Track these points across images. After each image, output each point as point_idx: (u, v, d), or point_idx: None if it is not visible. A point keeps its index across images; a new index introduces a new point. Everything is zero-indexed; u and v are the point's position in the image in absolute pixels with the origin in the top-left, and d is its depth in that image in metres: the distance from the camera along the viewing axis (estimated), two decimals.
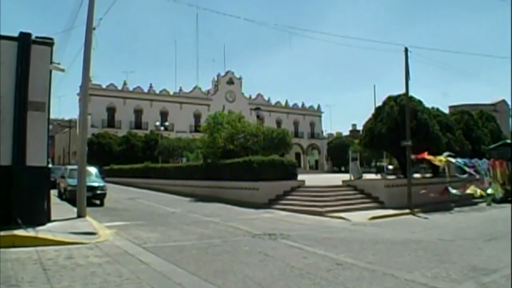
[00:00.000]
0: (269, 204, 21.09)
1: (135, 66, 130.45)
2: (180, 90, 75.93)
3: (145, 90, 72.25)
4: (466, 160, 23.73)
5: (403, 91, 22.63)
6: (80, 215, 14.23)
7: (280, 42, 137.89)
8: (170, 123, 68.41)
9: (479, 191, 22.84)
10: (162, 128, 59.34)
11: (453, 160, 22.89)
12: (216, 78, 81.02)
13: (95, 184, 20.64)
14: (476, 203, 23.46)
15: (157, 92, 73.33)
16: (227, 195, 24.14)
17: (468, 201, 23.22)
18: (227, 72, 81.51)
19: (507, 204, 22.29)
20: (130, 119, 69.42)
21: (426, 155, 22.32)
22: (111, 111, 68.30)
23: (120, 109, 68.84)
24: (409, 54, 21.60)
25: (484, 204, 23.11)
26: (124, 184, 41.20)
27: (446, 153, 22.86)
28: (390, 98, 25.15)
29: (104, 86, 67.67)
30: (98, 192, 20.77)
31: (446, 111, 31.61)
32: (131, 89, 70.96)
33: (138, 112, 70.60)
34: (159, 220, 15.75)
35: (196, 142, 36.38)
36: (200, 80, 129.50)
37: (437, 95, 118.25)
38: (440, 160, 22.40)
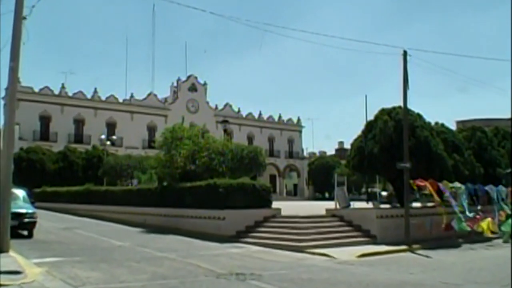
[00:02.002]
0: (238, 237, 20.98)
1: (76, 66, 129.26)
2: (131, 96, 75.69)
3: (88, 96, 71.74)
4: (477, 187, 23.92)
5: (399, 102, 22.90)
6: (1, 249, 13.86)
7: (253, 43, 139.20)
8: (118, 137, 67.88)
9: (493, 225, 22.92)
10: (108, 142, 58.76)
11: (460, 191, 22.92)
12: (175, 84, 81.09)
13: (22, 211, 20.13)
14: (489, 239, 23.50)
15: (103, 98, 72.94)
16: (186, 226, 23.96)
17: (479, 236, 23.27)
18: (189, 77, 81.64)
19: None
20: (68, 131, 68.67)
21: (428, 185, 22.28)
22: (45, 120, 67.49)
23: (57, 119, 68.05)
24: (408, 58, 21.83)
25: (499, 241, 23.05)
26: (59, 211, 40.47)
27: (456, 184, 22.93)
28: (383, 111, 25.43)
29: (36, 90, 66.98)
30: (26, 220, 20.23)
31: (453, 127, 31.93)
32: (70, 94, 70.36)
33: (78, 123, 69.93)
34: (102, 255, 15.48)
35: (150, 161, 35.92)
36: (156, 85, 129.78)
37: (441, 107, 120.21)
38: (446, 186, 22.44)
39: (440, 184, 22.44)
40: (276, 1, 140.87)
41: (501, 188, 25.14)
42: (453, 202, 22.44)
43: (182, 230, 23.68)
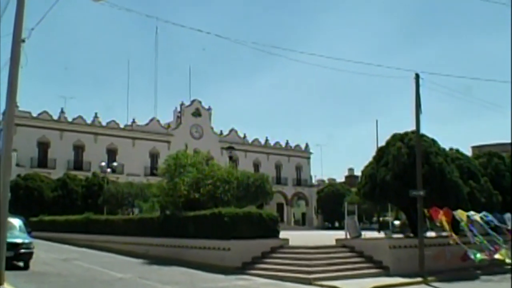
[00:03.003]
0: (244, 268, 20.89)
1: (75, 91, 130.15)
2: (133, 122, 75.87)
3: (89, 121, 71.94)
4: (494, 217, 23.71)
5: (411, 127, 22.89)
6: None
7: (260, 66, 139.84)
8: (119, 164, 67.85)
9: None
10: (108, 169, 58.78)
11: (477, 217, 22.79)
12: (179, 109, 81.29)
13: (19, 241, 20.09)
14: (509, 271, 23.27)
15: (104, 124, 73.09)
16: (190, 257, 23.83)
17: (499, 267, 23.01)
18: (193, 101, 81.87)
19: None
20: (68, 158, 68.72)
21: (442, 215, 22.09)
22: (43, 146, 67.59)
23: (56, 145, 68.15)
24: (420, 81, 21.87)
25: None
26: (57, 241, 40.37)
27: (472, 213, 22.76)
28: (395, 136, 25.41)
29: (35, 114, 67.07)
30: (22, 251, 20.17)
31: (469, 152, 31.78)
32: (70, 119, 70.45)
33: (78, 149, 70.01)
34: None
35: (152, 189, 35.90)
36: (159, 110, 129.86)
37: (456, 132, 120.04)
38: (461, 216, 22.24)
39: (455, 213, 22.30)
40: (283, 24, 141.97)
41: None
42: (469, 233, 22.26)
43: (185, 261, 23.53)
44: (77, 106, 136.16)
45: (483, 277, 21.09)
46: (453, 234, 22.09)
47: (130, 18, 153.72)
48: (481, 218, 22.93)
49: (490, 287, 18.85)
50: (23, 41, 14.20)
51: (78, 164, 68.92)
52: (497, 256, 22.28)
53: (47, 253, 27.82)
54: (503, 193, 27.54)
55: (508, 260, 22.48)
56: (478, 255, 21.77)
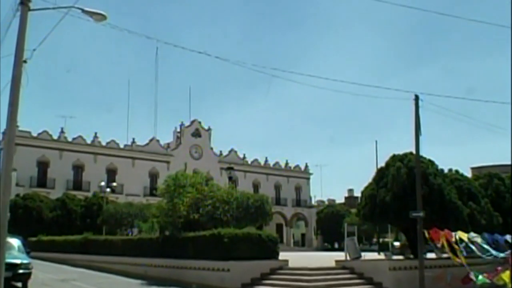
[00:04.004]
0: None
1: (75, 110, 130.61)
2: (133, 142, 75.93)
3: (88, 141, 72.00)
4: (495, 237, 23.65)
5: (410, 148, 22.95)
6: None
7: (259, 87, 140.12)
8: (119, 184, 67.78)
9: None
10: (108, 189, 58.62)
11: (478, 239, 22.70)
12: (178, 129, 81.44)
13: (17, 261, 20.00)
14: None
15: (103, 143, 73.13)
16: (189, 278, 23.72)
17: None
18: (192, 122, 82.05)
19: None
20: (67, 177, 68.68)
21: (443, 236, 22.01)
22: (43, 166, 67.57)
23: (55, 164, 68.14)
24: (420, 102, 21.95)
25: None
26: (56, 261, 40.20)
27: (472, 234, 22.70)
28: (395, 157, 25.46)
29: (34, 134, 67.16)
30: (21, 271, 20.08)
31: (468, 174, 31.75)
32: (69, 138, 70.55)
33: (78, 169, 69.99)
34: None
35: (152, 209, 35.82)
36: (159, 130, 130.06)
37: (455, 153, 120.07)
38: (460, 238, 22.17)
39: (453, 234, 22.22)
40: (281, 46, 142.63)
41: None
42: (466, 254, 22.16)
43: (184, 282, 23.46)
44: (77, 126, 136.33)
45: None
46: (459, 255, 21.97)
47: (131, 39, 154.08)
48: (481, 239, 22.87)
49: None
50: (25, 61, 14.25)
51: (77, 184, 68.86)
52: (497, 278, 22.18)
53: (45, 274, 27.69)
54: (503, 215, 27.45)
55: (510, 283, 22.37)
56: (480, 277, 21.67)
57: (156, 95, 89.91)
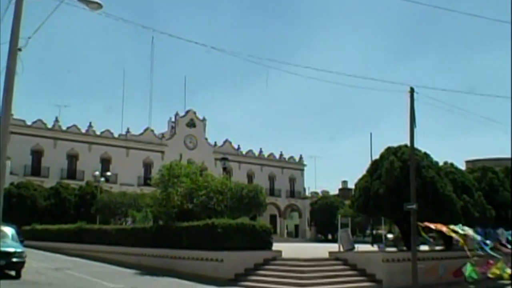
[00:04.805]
0: (236, 280, 20.83)
1: (70, 99, 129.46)
2: (128, 131, 75.71)
3: (83, 130, 71.83)
4: (488, 231, 23.72)
5: (405, 140, 22.96)
6: None
7: (254, 78, 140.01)
8: (113, 173, 67.77)
9: (508, 270, 22.61)
10: (102, 179, 58.60)
11: (470, 232, 22.72)
12: (173, 119, 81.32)
13: (11, 250, 19.99)
14: (503, 285, 23.25)
15: (98, 133, 72.91)
16: (183, 267, 23.75)
17: (492, 282, 23.02)
18: (187, 112, 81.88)
19: None
20: (61, 166, 68.54)
21: (439, 227, 22.12)
22: (37, 154, 67.42)
23: (49, 153, 67.99)
24: (415, 95, 21.92)
25: None
26: (50, 250, 40.20)
27: (467, 228, 22.73)
28: (389, 149, 25.48)
29: (29, 123, 66.94)
30: (14, 260, 20.08)
31: (463, 166, 31.74)
32: (64, 127, 70.33)
33: (72, 158, 69.85)
34: None
35: (146, 199, 35.82)
36: (154, 120, 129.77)
37: (450, 146, 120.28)
38: (454, 231, 22.24)
39: (444, 227, 22.30)
40: (278, 37, 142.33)
41: None
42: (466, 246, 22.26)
43: (178, 272, 23.45)
44: (72, 115, 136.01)
45: None
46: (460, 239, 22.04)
47: (126, 28, 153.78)
48: (474, 232, 22.92)
49: None
50: (20, 49, 14.18)
51: (71, 173, 68.74)
52: (491, 271, 22.27)
53: (39, 262, 27.68)
54: (496, 208, 27.47)
55: (505, 274, 22.46)
56: (472, 271, 21.71)
57: (151, 85, 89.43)
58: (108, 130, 73.80)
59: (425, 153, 25.37)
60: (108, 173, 63.14)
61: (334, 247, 27.71)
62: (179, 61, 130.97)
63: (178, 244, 24.78)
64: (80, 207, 53.94)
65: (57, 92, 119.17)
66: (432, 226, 22.05)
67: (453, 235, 22.38)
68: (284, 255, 23.25)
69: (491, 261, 22.51)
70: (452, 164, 27.71)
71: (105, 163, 70.82)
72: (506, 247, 23.64)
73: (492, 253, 22.64)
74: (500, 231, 24.23)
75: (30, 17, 14.81)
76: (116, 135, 74.51)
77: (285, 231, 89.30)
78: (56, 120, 69.85)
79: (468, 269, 21.62)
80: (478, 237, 22.74)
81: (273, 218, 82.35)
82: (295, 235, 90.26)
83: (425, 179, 23.28)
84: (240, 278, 20.93)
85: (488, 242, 23.02)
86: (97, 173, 59.00)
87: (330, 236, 77.82)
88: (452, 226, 22.46)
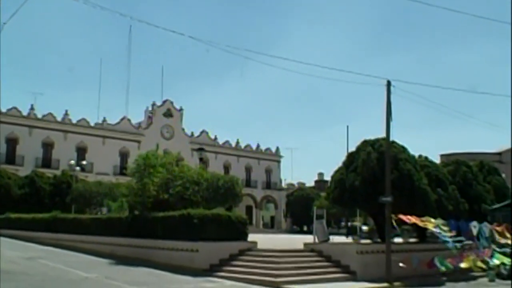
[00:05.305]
0: (211, 270, 20.84)
1: (45, 87, 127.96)
2: (104, 120, 75.26)
3: (58, 119, 71.20)
4: (461, 224, 23.96)
5: (381, 133, 23.03)
6: None
7: (232, 69, 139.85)
8: (89, 162, 67.46)
9: (479, 263, 22.91)
10: (78, 168, 58.26)
11: (441, 224, 22.92)
12: (150, 108, 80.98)
13: None
14: (475, 277, 23.56)
15: (74, 121, 72.30)
16: (158, 257, 23.70)
17: (464, 274, 23.30)
18: (164, 102, 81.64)
19: None
20: (36, 155, 67.89)
21: (413, 219, 22.34)
22: (11, 142, 66.72)
23: (24, 141, 67.33)
24: (392, 88, 22.01)
25: (485, 279, 22.98)
26: (23, 239, 39.81)
27: (439, 220, 23.00)
28: (366, 142, 25.60)
29: (4, 110, 66.05)
30: None
31: (437, 160, 31.98)
32: (39, 115, 69.67)
33: (47, 146, 69.23)
34: None
35: (121, 189, 35.62)
36: (130, 109, 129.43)
37: (425, 140, 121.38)
38: (429, 223, 22.49)
39: (417, 220, 22.53)
40: (256, 28, 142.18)
41: (486, 224, 25.21)
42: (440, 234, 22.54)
43: (153, 262, 23.39)
44: (48, 104, 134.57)
45: (448, 284, 21.31)
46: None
47: (104, 16, 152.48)
48: (447, 225, 23.16)
49: None
50: None
51: (46, 162, 68.11)
52: (464, 263, 22.56)
53: (12, 251, 27.45)
54: (470, 202, 27.84)
55: (475, 268, 22.78)
56: (444, 263, 21.99)
57: (128, 74, 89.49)
58: (84, 119, 73.20)
59: (402, 147, 25.51)
60: (84, 162, 62.79)
61: (309, 238, 27.85)
62: (157, 51, 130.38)
63: (153, 234, 24.68)
64: (55, 196, 53.41)
65: (33, 80, 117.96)
66: (405, 219, 22.26)
67: (428, 226, 22.65)
68: (259, 246, 23.28)
69: (463, 254, 22.80)
70: (426, 158, 27.95)
71: (81, 152, 70.26)
72: (474, 241, 23.97)
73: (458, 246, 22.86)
74: (472, 224, 24.47)
75: (5, 2, 14.60)
76: (92, 124, 73.99)
77: (261, 222, 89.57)
78: (32, 108, 69.20)
79: (438, 262, 21.93)
80: (446, 238, 22.84)
81: (249, 209, 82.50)
82: (271, 226, 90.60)
83: (402, 172, 23.42)
84: (215, 269, 20.93)
85: (461, 238, 23.29)
86: (72, 162, 58.64)
87: (305, 228, 78.17)
88: (427, 218, 22.69)
